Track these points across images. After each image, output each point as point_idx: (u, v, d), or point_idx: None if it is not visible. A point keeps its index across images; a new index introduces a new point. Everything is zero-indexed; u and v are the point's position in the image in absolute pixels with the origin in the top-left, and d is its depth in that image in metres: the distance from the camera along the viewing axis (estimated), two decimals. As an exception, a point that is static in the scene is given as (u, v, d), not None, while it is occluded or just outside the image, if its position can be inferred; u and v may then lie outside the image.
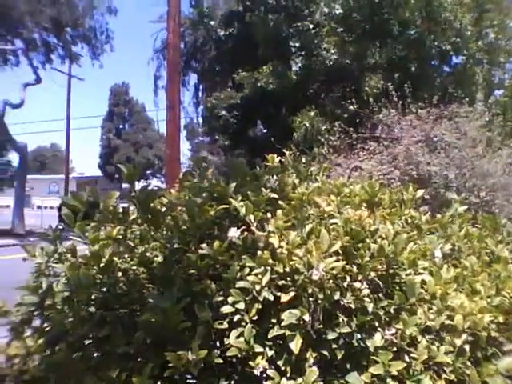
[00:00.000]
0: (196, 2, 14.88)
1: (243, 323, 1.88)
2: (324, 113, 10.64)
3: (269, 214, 2.30)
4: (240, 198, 2.29)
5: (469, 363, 2.02)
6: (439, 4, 10.31)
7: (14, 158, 23.98)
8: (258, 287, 1.90)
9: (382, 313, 2.09)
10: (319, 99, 11.33)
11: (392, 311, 2.12)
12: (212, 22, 14.69)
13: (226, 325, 1.87)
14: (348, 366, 1.96)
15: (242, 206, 2.17)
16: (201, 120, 21.19)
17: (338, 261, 2.06)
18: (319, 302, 1.97)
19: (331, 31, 11.48)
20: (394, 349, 2.02)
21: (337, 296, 1.98)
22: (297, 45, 11.92)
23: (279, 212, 2.31)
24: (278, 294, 1.92)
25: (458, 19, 10.33)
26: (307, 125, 10.23)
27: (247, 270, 1.99)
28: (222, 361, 1.82)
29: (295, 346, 1.78)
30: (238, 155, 14.66)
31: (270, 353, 1.84)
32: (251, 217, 2.14)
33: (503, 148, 8.26)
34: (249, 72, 12.26)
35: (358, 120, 9.35)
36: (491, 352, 2.18)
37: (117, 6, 30.89)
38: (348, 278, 2.10)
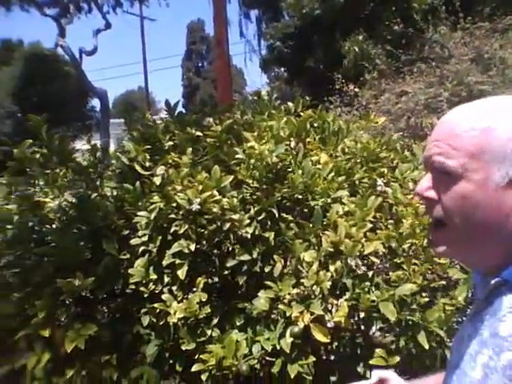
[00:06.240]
0: None
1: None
2: (373, 36, 9.94)
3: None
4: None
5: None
6: None
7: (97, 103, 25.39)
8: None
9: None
10: (368, 22, 10.56)
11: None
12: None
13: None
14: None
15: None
16: (264, 52, 20.79)
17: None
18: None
19: None
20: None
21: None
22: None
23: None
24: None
25: None
26: (356, 50, 9.69)
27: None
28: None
29: (182, 273, 1.98)
30: (299, 86, 14.41)
31: (167, 279, 2.06)
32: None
33: None
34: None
35: (404, 41, 8.66)
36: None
37: None
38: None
